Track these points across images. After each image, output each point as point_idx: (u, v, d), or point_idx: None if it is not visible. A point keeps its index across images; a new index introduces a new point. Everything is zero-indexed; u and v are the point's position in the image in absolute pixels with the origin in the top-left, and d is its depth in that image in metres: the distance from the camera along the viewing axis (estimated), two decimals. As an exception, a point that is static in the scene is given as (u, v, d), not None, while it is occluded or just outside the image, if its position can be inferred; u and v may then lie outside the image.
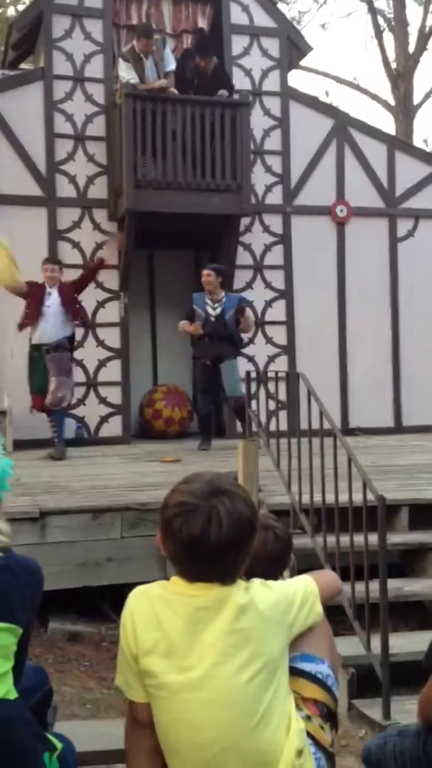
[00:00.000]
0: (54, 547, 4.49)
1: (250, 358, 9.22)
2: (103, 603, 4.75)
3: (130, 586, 4.91)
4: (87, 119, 8.80)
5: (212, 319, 7.42)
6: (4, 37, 11.07)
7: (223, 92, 8.51)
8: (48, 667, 3.84)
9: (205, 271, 7.52)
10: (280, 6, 16.12)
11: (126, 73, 8.35)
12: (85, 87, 8.81)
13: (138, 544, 4.62)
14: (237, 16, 9.31)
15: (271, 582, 1.87)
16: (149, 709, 1.79)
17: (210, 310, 7.45)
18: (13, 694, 1.63)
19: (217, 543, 1.67)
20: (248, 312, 7.72)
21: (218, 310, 7.43)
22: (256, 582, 1.82)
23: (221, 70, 8.83)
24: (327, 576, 2.15)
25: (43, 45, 8.79)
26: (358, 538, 3.89)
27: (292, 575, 3.87)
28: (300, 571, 3.79)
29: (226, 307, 7.45)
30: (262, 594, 1.79)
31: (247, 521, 1.70)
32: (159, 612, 1.76)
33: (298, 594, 1.89)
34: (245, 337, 8.05)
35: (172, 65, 8.57)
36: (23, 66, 10.18)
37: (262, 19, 9.43)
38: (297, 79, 18.52)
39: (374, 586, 3.75)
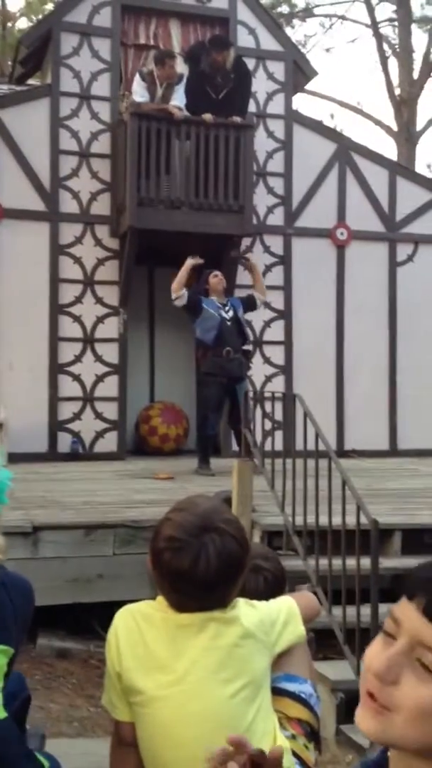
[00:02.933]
0: (46, 562, 4.48)
1: (248, 377, 9.26)
2: (93, 620, 4.73)
3: (121, 604, 4.90)
4: (92, 136, 8.87)
5: (228, 323, 7.27)
6: (12, 52, 11.18)
7: (236, 118, 8.51)
8: (36, 683, 3.82)
9: (215, 273, 7.52)
10: (287, 30, 16.31)
11: (139, 88, 8.41)
12: (91, 105, 8.89)
13: (129, 562, 4.61)
14: (244, 38, 9.40)
15: (254, 601, 1.88)
16: (134, 729, 1.79)
17: (224, 314, 7.31)
18: (2, 714, 1.63)
19: (204, 579, 1.68)
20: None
21: (230, 312, 7.37)
22: (241, 601, 1.83)
23: (242, 64, 8.73)
24: (306, 597, 2.16)
25: (51, 62, 8.87)
26: (351, 562, 3.89)
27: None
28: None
29: (234, 306, 7.46)
30: (247, 612, 1.81)
31: (236, 559, 1.71)
32: (143, 629, 1.77)
33: (281, 614, 1.90)
34: (261, 301, 7.85)
35: (181, 102, 8.57)
36: (30, 82, 10.27)
37: (268, 43, 9.53)
38: (301, 102, 18.67)
39: (365, 610, 3.75)
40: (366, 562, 3.78)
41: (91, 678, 4.25)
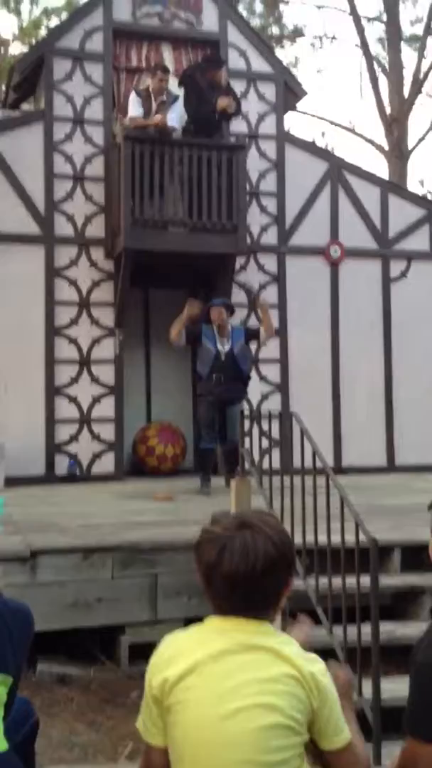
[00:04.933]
0: (44, 587, 4.45)
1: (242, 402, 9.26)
2: (93, 645, 4.70)
3: (121, 628, 4.87)
4: (86, 160, 8.93)
5: (222, 357, 7.30)
6: (5, 77, 11.28)
7: (231, 138, 8.67)
8: (36, 710, 3.79)
9: (215, 309, 7.34)
10: (277, 51, 16.49)
11: (134, 104, 8.55)
12: (84, 129, 8.96)
13: (129, 585, 4.58)
14: (235, 60, 9.50)
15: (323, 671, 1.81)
16: (165, 755, 1.77)
17: (220, 347, 7.32)
18: (3, 746, 1.62)
19: (230, 574, 1.67)
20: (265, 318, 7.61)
21: (227, 346, 7.32)
22: (304, 655, 1.77)
23: (233, 90, 8.93)
24: (361, 746, 1.93)
25: (44, 87, 8.96)
26: (350, 580, 3.88)
27: (283, 620, 3.86)
28: (291, 613, 3.78)
29: (234, 340, 7.36)
30: (304, 663, 1.74)
31: (267, 559, 1.69)
32: (188, 650, 1.74)
33: (334, 709, 1.77)
34: (265, 339, 7.80)
35: (175, 122, 8.65)
36: (24, 107, 10.35)
37: (259, 65, 9.63)
38: (293, 121, 18.83)
39: (366, 629, 3.73)
40: (366, 580, 3.77)
41: (92, 703, 4.21)
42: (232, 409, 7.33)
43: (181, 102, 8.74)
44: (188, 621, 4.48)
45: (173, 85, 8.90)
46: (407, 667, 4.40)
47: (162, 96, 8.62)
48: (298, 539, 4.48)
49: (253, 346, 7.85)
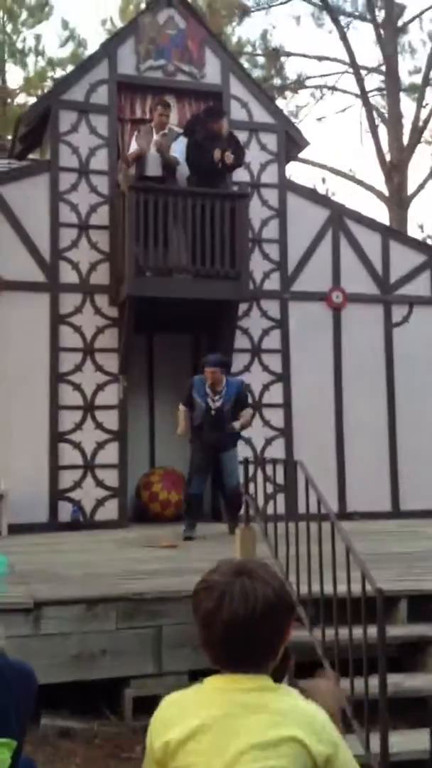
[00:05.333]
0: (47, 639, 4.40)
1: (247, 441, 9.26)
2: (97, 698, 4.64)
3: (125, 680, 4.81)
4: (91, 209, 9.06)
5: (212, 412, 7.36)
6: (11, 128, 11.50)
7: (234, 187, 8.86)
8: (39, 765, 3.72)
9: (209, 369, 7.34)
10: (279, 101, 16.83)
11: (136, 140, 8.86)
12: (89, 179, 9.11)
13: (133, 637, 4.53)
14: (237, 112, 9.70)
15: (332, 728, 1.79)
16: None
17: (210, 403, 7.38)
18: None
19: (228, 622, 1.65)
20: (246, 411, 7.58)
21: (218, 403, 7.36)
22: (294, 693, 1.76)
23: (235, 139, 9.12)
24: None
25: (50, 138, 9.13)
26: (357, 631, 3.84)
27: (289, 675, 3.81)
28: (297, 665, 3.74)
29: (227, 397, 7.38)
30: (305, 720, 1.69)
31: (267, 606, 1.67)
32: (189, 713, 1.71)
33: (345, 756, 1.74)
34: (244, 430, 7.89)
35: (177, 154, 8.89)
36: (31, 156, 10.55)
37: (260, 116, 9.83)
38: (294, 167, 19.12)
39: (373, 681, 3.69)
40: (373, 631, 3.73)
41: (96, 758, 4.14)
42: (226, 455, 7.45)
43: (183, 139, 8.99)
44: (193, 673, 4.46)
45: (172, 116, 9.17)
46: (415, 720, 4.33)
47: (164, 130, 8.84)
48: (303, 589, 4.46)
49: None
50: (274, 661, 1.75)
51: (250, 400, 7.84)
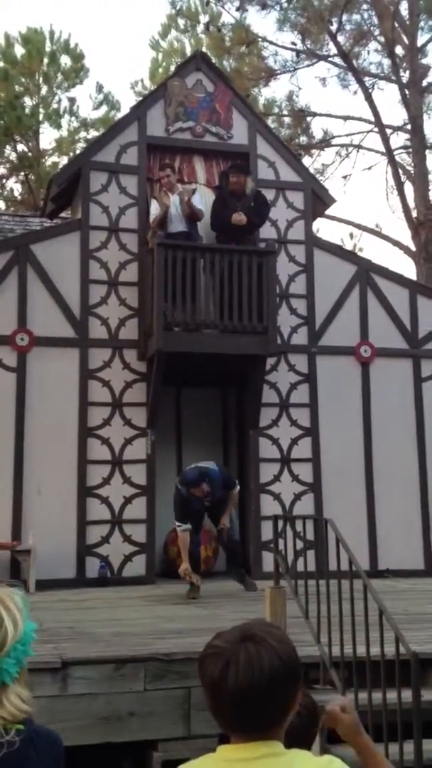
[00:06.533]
0: (75, 699, 4.32)
1: (276, 496, 9.20)
2: (125, 761, 4.53)
3: (153, 743, 4.69)
4: (120, 266, 9.22)
5: (207, 504, 7.46)
6: (44, 189, 11.81)
7: (261, 244, 9.01)
8: None
9: (193, 489, 7.28)
10: (305, 159, 17.14)
11: (153, 208, 9.05)
12: (119, 237, 9.29)
13: (162, 698, 4.43)
14: (264, 171, 9.89)
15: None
16: None
17: (206, 503, 7.45)
18: None
19: (233, 690, 1.60)
20: (232, 494, 7.57)
21: (209, 499, 7.41)
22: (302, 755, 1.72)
23: (260, 194, 9.28)
24: None
25: (81, 198, 9.36)
26: (391, 695, 3.73)
27: (321, 738, 3.70)
28: (330, 732, 3.63)
29: (217, 493, 7.38)
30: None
31: (274, 673, 1.61)
32: None
33: None
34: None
35: (198, 204, 9.09)
36: (62, 215, 10.80)
37: (287, 174, 10.00)
38: (321, 222, 19.35)
39: (408, 747, 3.57)
40: (407, 695, 3.62)
41: None
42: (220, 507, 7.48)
43: (202, 191, 9.20)
44: (222, 736, 4.33)
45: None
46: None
47: (177, 189, 9.06)
48: (336, 651, 4.36)
49: None
50: (283, 727, 1.70)
51: (234, 481, 7.75)
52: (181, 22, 20.76)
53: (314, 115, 18.63)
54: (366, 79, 17.60)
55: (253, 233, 9.36)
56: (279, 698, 1.64)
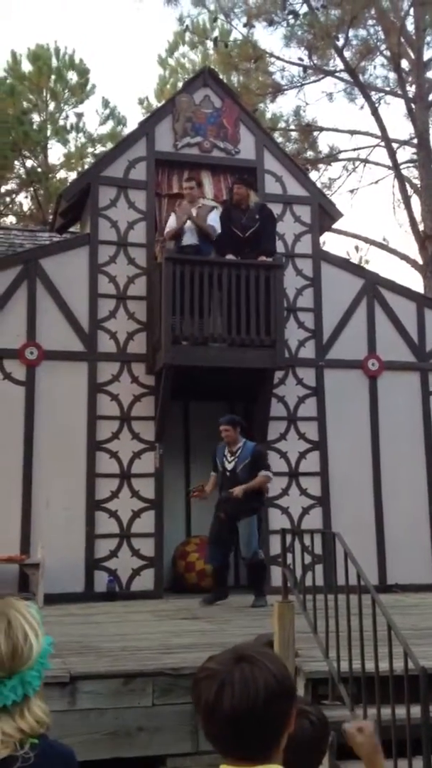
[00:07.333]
0: (83, 714, 4.32)
1: (284, 510, 9.18)
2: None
3: (161, 759, 4.68)
4: (129, 280, 9.27)
5: (228, 473, 7.59)
6: (53, 203, 11.87)
7: (264, 259, 8.94)
8: None
9: (222, 427, 7.69)
10: (312, 173, 17.20)
11: (171, 220, 9.09)
12: (128, 251, 9.34)
13: (170, 713, 4.43)
14: (271, 185, 9.93)
15: None
16: None
17: (227, 464, 7.65)
18: None
19: (229, 713, 1.58)
20: (260, 474, 7.60)
21: (232, 464, 7.59)
22: None
23: (266, 208, 9.25)
24: None
25: (90, 213, 9.42)
26: (400, 711, 3.71)
27: (330, 754, 3.68)
28: (339, 747, 3.61)
29: (241, 458, 7.60)
30: None
31: (269, 693, 1.60)
32: None
33: None
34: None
35: (213, 222, 9.09)
36: (71, 230, 10.87)
37: (294, 188, 10.04)
38: (328, 236, 19.40)
39: (418, 763, 3.55)
40: (416, 710, 3.60)
41: None
42: (241, 524, 7.49)
43: (218, 210, 9.23)
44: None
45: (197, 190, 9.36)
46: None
47: (197, 203, 9.07)
48: (344, 666, 4.35)
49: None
50: (281, 748, 1.69)
51: (263, 476, 7.68)
52: (188, 38, 20.93)
53: (321, 129, 18.72)
54: (372, 93, 17.68)
55: (261, 248, 9.36)
56: (275, 718, 1.63)
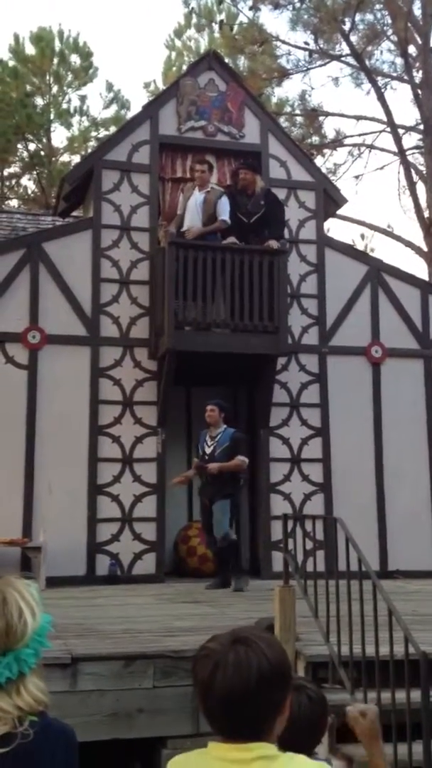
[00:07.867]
0: (84, 695, 4.34)
1: (286, 496, 9.19)
2: (132, 757, 4.54)
3: (162, 740, 4.71)
4: (132, 265, 9.24)
5: (206, 457, 7.73)
6: (56, 187, 11.84)
7: (272, 243, 8.88)
8: None
9: (208, 407, 7.85)
10: (317, 159, 17.12)
11: (189, 217, 8.99)
12: (131, 235, 9.30)
13: (170, 695, 4.45)
14: (275, 170, 9.87)
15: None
16: None
17: (206, 448, 7.79)
18: None
19: (224, 691, 1.60)
20: (236, 459, 7.64)
21: (212, 448, 7.72)
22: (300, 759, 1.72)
23: (271, 193, 9.22)
24: None
25: (93, 197, 9.37)
26: (400, 695, 3.72)
27: (330, 736, 3.70)
28: (339, 730, 3.62)
29: (219, 443, 7.71)
30: None
31: (258, 673, 1.61)
32: None
33: None
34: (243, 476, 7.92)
35: (224, 215, 8.98)
36: (74, 214, 10.83)
37: (299, 174, 9.99)
38: (332, 223, 19.34)
39: (417, 747, 3.56)
40: (417, 695, 3.61)
41: None
42: (215, 507, 7.62)
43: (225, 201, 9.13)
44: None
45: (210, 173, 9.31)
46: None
47: (207, 187, 8.96)
48: (345, 650, 4.36)
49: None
50: (274, 731, 1.69)
51: (238, 460, 7.70)
52: (194, 20, 20.78)
53: (326, 114, 18.62)
54: (378, 78, 17.56)
55: (265, 233, 9.32)
56: (267, 702, 1.64)
